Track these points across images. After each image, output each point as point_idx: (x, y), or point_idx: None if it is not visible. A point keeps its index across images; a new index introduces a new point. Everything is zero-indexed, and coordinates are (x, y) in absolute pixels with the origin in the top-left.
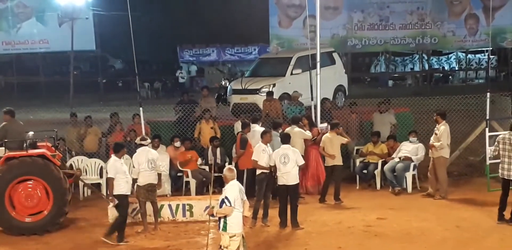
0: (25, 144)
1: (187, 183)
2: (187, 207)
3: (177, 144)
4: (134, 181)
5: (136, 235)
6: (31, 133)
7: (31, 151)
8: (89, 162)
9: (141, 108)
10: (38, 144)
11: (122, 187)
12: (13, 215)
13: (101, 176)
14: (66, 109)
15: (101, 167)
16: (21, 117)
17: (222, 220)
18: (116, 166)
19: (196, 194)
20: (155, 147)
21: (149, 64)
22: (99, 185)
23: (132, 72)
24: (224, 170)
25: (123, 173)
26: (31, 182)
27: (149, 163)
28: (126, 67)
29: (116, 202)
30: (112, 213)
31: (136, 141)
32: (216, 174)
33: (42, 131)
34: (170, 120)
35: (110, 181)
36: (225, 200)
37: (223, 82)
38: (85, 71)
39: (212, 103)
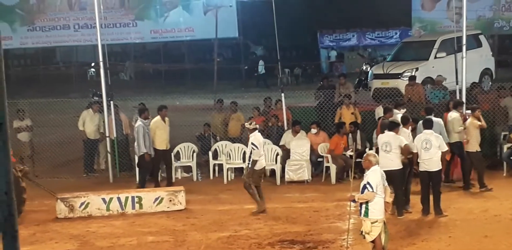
0: None
1: (328, 168)
2: (136, 199)
3: (313, 130)
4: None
5: (278, 219)
6: None
7: None
8: (232, 146)
9: (282, 94)
10: None
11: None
12: None
13: (243, 161)
14: (210, 95)
15: (244, 151)
16: (167, 103)
17: (363, 205)
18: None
19: (336, 179)
20: (295, 133)
21: (289, 50)
22: (241, 169)
23: (273, 58)
24: (367, 155)
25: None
26: None
27: (262, 146)
28: (267, 53)
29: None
30: (59, 208)
31: (246, 125)
32: (356, 159)
33: None
34: (310, 105)
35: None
36: (367, 186)
37: (364, 67)
38: (227, 58)
39: (350, 90)
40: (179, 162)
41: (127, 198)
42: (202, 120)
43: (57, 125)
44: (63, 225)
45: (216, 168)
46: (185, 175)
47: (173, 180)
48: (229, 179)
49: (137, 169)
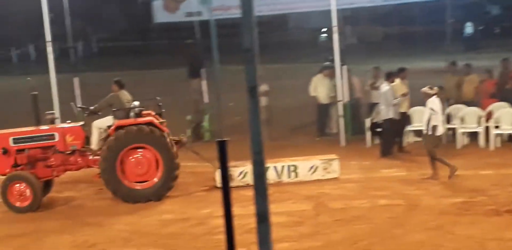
0: (131, 113)
1: None
2: (291, 168)
3: None
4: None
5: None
6: (136, 102)
7: (140, 119)
8: (466, 110)
9: None
10: (143, 112)
11: None
12: (125, 183)
13: (478, 124)
14: (442, 57)
15: (478, 115)
16: (399, 66)
17: None
18: None
19: None
20: None
21: None
22: (475, 133)
23: (509, 17)
24: None
25: None
26: (140, 150)
27: (440, 111)
28: (503, 12)
29: None
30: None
31: (425, 90)
32: None
33: (146, 99)
34: None
35: None
36: None
37: None
38: (460, 18)
39: None
40: (411, 126)
41: (283, 167)
42: (434, 83)
43: (292, 89)
44: (299, 187)
45: (450, 132)
46: (417, 139)
47: (405, 144)
48: (464, 143)
49: (368, 133)
